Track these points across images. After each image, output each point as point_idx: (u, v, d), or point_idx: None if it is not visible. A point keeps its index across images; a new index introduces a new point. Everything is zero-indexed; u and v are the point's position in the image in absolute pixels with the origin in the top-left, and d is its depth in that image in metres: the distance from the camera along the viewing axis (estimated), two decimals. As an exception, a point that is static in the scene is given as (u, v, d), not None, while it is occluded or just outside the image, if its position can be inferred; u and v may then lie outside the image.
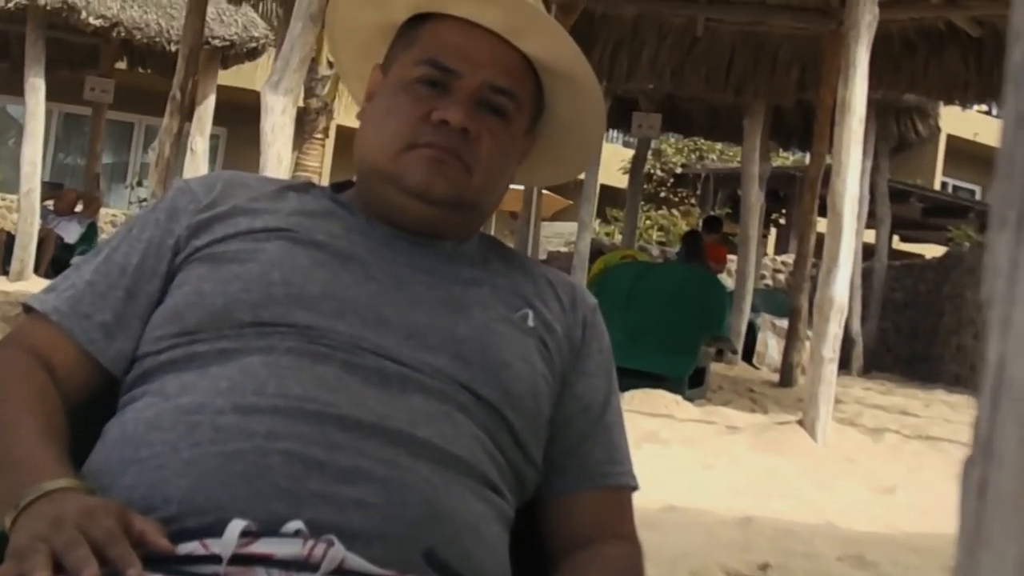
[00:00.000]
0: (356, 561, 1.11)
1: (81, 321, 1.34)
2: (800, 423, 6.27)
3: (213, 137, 14.38)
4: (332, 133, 21.40)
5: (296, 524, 1.11)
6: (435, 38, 1.42)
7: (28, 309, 1.39)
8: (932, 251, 22.14)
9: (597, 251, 13.68)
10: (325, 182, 16.24)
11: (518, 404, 1.33)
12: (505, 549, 1.30)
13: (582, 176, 13.28)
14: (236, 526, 1.09)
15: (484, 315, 1.37)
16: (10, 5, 12.01)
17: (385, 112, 1.41)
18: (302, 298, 1.30)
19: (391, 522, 1.16)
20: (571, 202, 21.26)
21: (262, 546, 1.10)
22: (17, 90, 15.59)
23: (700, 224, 15.47)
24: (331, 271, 1.34)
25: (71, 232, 13.81)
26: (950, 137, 26.38)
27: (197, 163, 13.03)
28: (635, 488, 1.45)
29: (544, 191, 14.13)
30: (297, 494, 1.14)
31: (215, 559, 1.09)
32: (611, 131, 16.21)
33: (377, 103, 1.44)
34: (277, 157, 6.06)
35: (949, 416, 9.12)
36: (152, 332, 1.33)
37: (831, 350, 6.19)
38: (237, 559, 1.09)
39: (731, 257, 14.67)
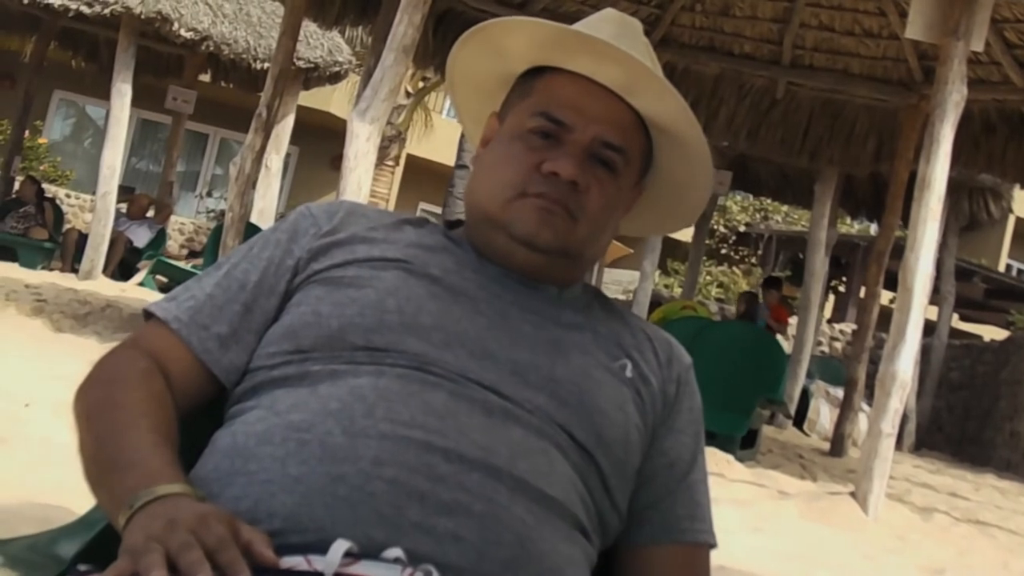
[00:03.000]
0: None
1: (199, 331, 1.39)
2: (852, 495, 6.21)
3: (286, 155, 14.56)
4: (402, 161, 21.63)
5: (396, 551, 1.14)
6: (550, 91, 1.46)
7: (148, 315, 1.44)
8: (991, 332, 21.90)
9: (655, 302, 13.66)
10: (391, 207, 16.40)
11: (610, 450, 1.36)
12: (586, 594, 1.32)
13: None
14: (340, 546, 1.12)
15: (584, 360, 1.40)
16: (106, 12, 12.22)
17: (499, 160, 1.46)
18: (414, 327, 1.34)
19: (485, 559, 1.19)
20: (631, 251, 21.24)
21: (363, 568, 1.12)
22: (99, 92, 15.93)
23: (760, 283, 15.36)
24: (443, 304, 1.37)
25: (141, 237, 13.99)
26: (1019, 220, 26.10)
27: (271, 179, 13.24)
28: (713, 546, 1.47)
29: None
30: (397, 523, 1.17)
31: (317, 575, 1.11)
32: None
33: (492, 150, 1.48)
34: (357, 183, 6.11)
35: (999, 502, 8.99)
36: (266, 348, 1.38)
37: (890, 425, 6.14)
38: (338, 578, 1.11)
39: (790, 321, 14.58)
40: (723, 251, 26.01)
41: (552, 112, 1.43)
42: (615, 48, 1.42)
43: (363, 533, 1.15)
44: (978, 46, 6.39)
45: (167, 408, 1.31)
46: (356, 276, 1.39)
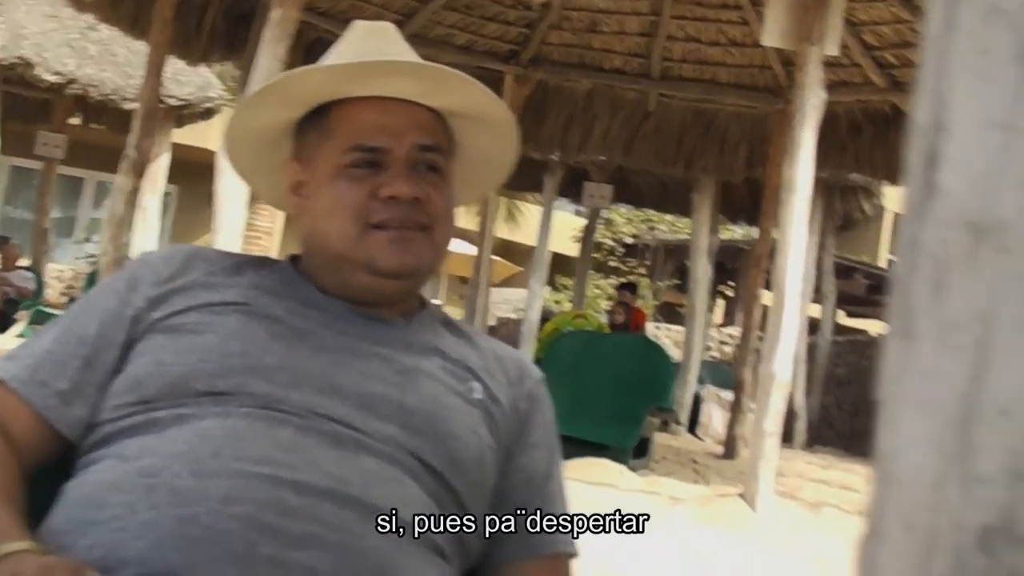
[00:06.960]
0: None
1: (39, 389, 1.38)
2: (742, 496, 6.31)
3: (165, 195, 14.33)
4: (285, 194, 21.41)
5: None
6: (352, 123, 1.47)
7: None
8: (877, 327, 22.41)
9: (545, 318, 13.72)
10: (277, 243, 15.98)
11: (465, 473, 1.39)
12: (450, 616, 1.34)
13: (534, 243, 13.37)
14: None
15: (433, 387, 1.42)
16: (-36, 60, 11.98)
17: (331, 201, 1.45)
18: (259, 368, 1.35)
19: (342, 588, 1.20)
20: (521, 269, 21.33)
21: None
22: (-33, 142, 15.49)
23: (616, 288, 15.43)
24: (287, 343, 1.39)
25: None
26: (896, 216, 26.74)
27: (148, 220, 13.01)
28: (574, 555, 1.50)
29: (495, 257, 14.18)
30: (250, 559, 1.18)
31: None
32: (562, 199, 16.35)
33: (318, 195, 1.48)
34: (230, 219, 6.07)
35: (889, 492, 9.16)
36: (111, 400, 1.37)
37: (773, 424, 6.24)
38: (190, 620, 1.12)
39: (679, 328, 14.75)
40: (611, 264, 26.22)
41: (364, 142, 1.45)
42: (403, 63, 1.47)
43: (217, 572, 1.16)
44: (833, 50, 6.57)
45: (9, 469, 1.30)
46: (197, 322, 1.40)
